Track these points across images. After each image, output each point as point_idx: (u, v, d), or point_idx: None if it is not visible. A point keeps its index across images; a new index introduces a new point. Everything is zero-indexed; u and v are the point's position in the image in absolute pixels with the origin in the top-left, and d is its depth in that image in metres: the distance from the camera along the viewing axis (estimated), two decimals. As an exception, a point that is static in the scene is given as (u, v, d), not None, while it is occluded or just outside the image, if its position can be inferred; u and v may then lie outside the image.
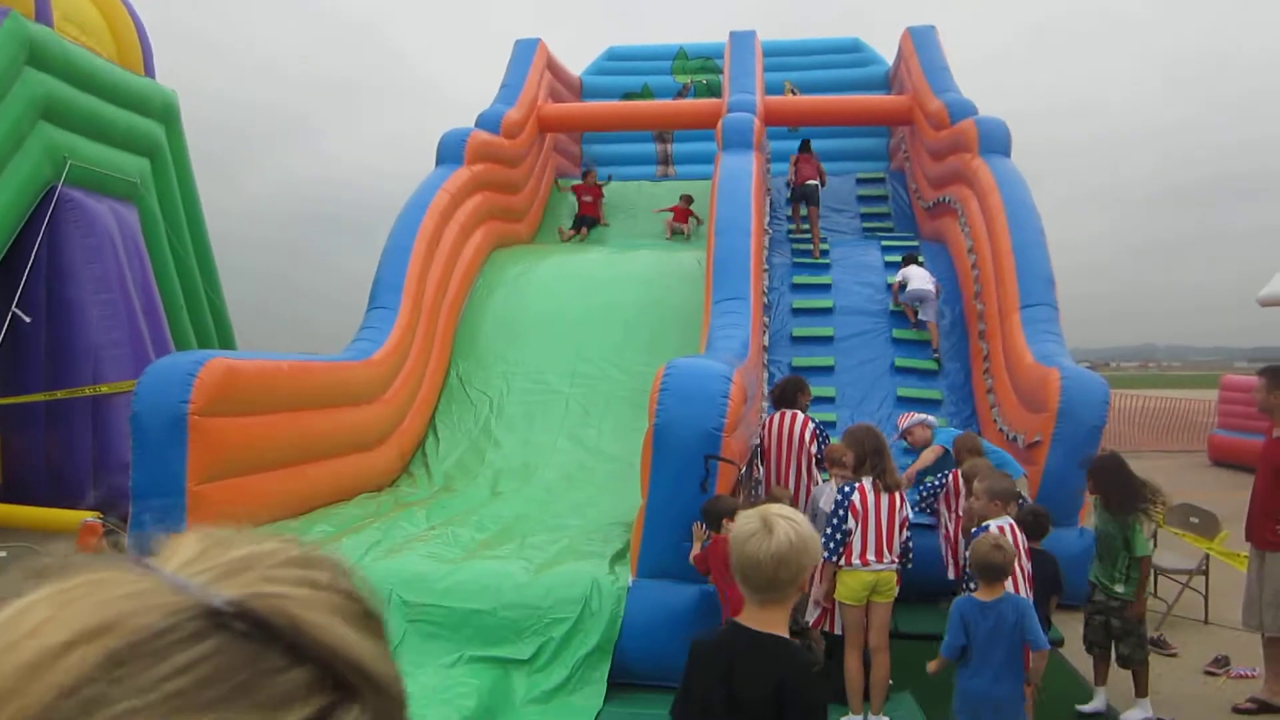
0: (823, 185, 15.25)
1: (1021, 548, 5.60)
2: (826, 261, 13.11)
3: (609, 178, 16.31)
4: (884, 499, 6.05)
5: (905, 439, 8.62)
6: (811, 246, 13.53)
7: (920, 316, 11.90)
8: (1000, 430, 9.53)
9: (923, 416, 8.74)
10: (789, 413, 8.04)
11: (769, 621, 2.64)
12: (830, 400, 10.88)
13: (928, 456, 8.17)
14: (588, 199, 15.39)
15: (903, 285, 11.96)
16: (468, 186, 12.76)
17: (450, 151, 12.93)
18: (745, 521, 2.68)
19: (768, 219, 13.71)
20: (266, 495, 7.70)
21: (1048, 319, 10.15)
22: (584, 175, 15.80)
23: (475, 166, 13.05)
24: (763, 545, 2.60)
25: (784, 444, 7.91)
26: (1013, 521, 5.75)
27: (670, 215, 15.60)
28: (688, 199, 15.66)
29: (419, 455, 10.47)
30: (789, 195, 15.26)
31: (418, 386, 10.67)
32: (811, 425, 7.91)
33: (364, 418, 9.36)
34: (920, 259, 12.52)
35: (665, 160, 18.45)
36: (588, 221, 15.24)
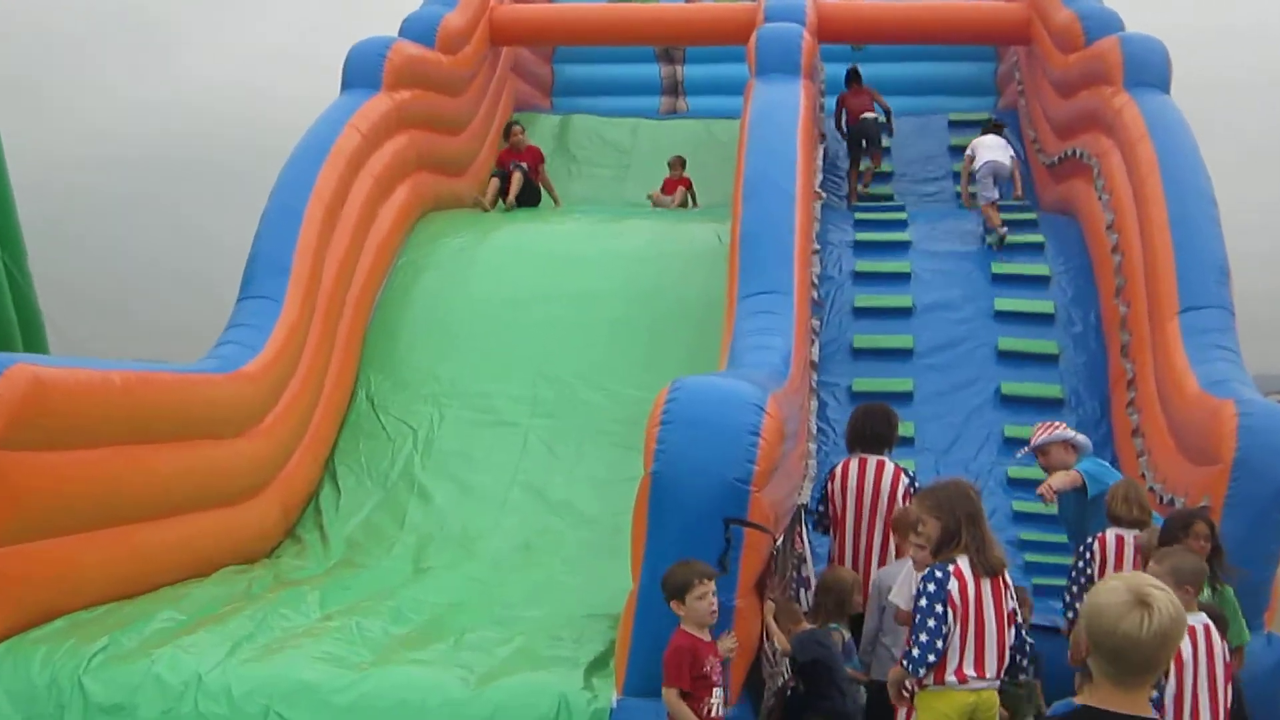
0: (889, 128, 15.32)
1: (1220, 659, 5.62)
2: (904, 238, 13.13)
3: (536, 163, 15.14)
4: (985, 586, 6.05)
5: (1039, 459, 8.63)
6: (879, 214, 13.59)
7: (980, 193, 12.85)
8: (1151, 488, 9.53)
9: (1068, 433, 8.63)
10: (873, 459, 8.01)
11: (1134, 703, 3.27)
12: (907, 443, 10.84)
13: (1060, 481, 8.15)
14: (519, 169, 14.55)
15: (972, 175, 12.57)
16: (387, 123, 12.76)
17: (362, 72, 12.96)
18: (1111, 594, 3.24)
19: (820, 177, 13.73)
20: (87, 567, 7.64)
21: (1220, 328, 10.16)
22: (508, 134, 15.28)
23: (399, 94, 13.06)
24: (1143, 623, 3.17)
25: (865, 505, 7.89)
26: (1208, 622, 5.76)
27: (655, 192, 15.62)
28: (679, 164, 15.64)
29: (310, 512, 10.43)
30: (845, 138, 15.37)
31: (309, 412, 10.65)
32: (906, 479, 7.90)
33: (231, 456, 9.32)
34: (1003, 127, 13.40)
35: (674, 89, 18.50)
36: (523, 197, 14.55)
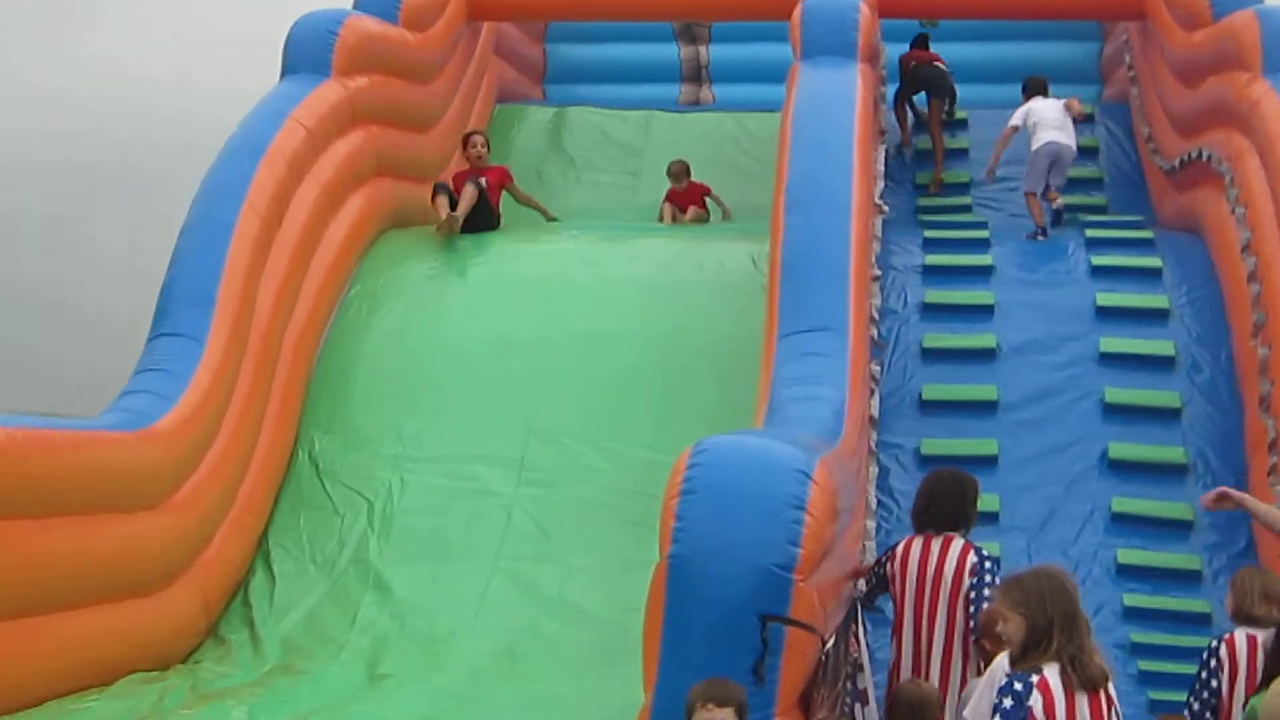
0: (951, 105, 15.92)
1: None
2: (986, 262, 13.15)
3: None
4: (1081, 704, 5.98)
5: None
6: (955, 232, 13.66)
7: (1028, 178, 13.72)
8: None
9: None
10: (938, 539, 7.98)
11: None
12: (989, 519, 10.78)
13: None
14: (475, 185, 13.88)
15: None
16: (338, 116, 12.83)
17: (307, 53, 13.04)
18: None
19: (882, 185, 13.74)
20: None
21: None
22: (465, 144, 14.61)
23: (353, 80, 13.15)
24: None
25: (925, 594, 7.90)
26: None
27: (666, 206, 15.56)
28: (682, 172, 15.50)
29: (237, 605, 10.41)
30: (899, 88, 15.78)
31: (237, 479, 10.64)
32: (975, 558, 7.89)
33: (139, 534, 9.29)
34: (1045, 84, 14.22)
35: (696, 75, 18.57)
36: (480, 222, 13.81)
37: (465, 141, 14.54)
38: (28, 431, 8.42)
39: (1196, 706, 7.60)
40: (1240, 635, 7.54)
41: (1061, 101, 14.18)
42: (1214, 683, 7.50)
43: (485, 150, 14.52)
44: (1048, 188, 13.92)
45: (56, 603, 8.51)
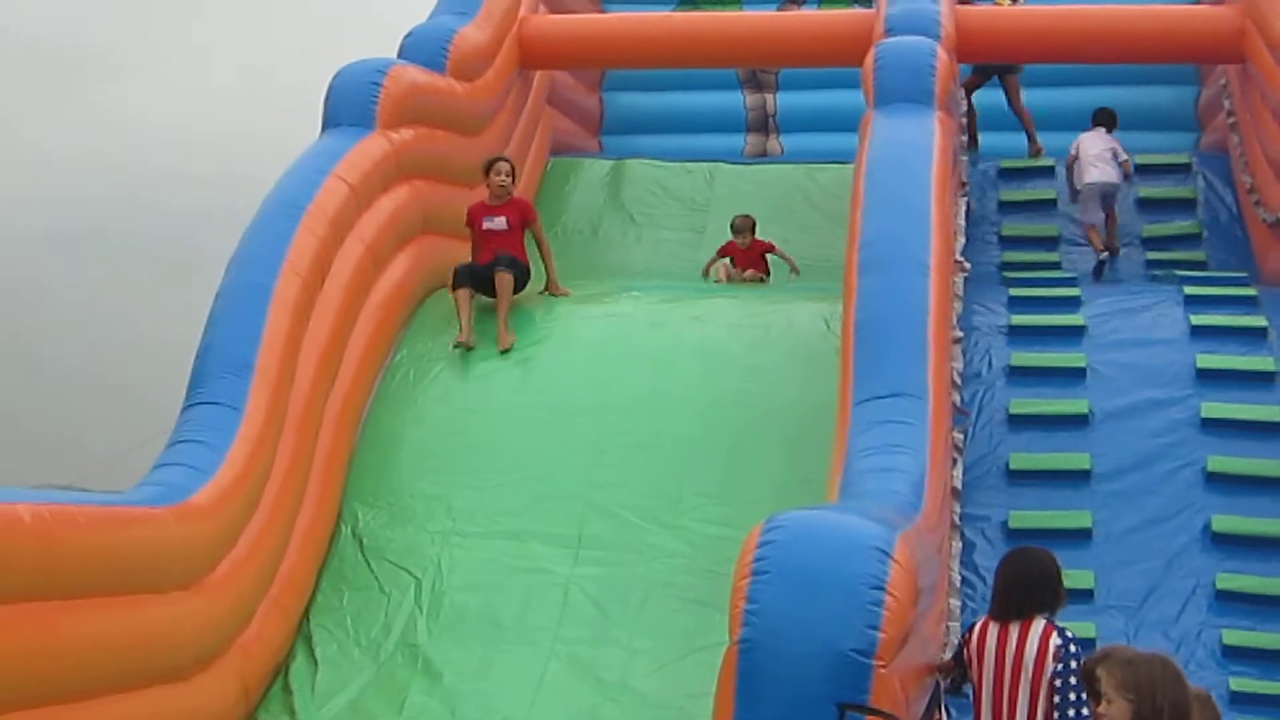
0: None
1: None
2: (1077, 321, 13.11)
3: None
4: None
5: None
6: (1043, 290, 13.66)
7: (1082, 217, 14.70)
8: None
9: None
10: (1018, 625, 7.94)
11: None
12: (1083, 597, 10.73)
13: None
14: (495, 226, 13.30)
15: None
16: (383, 172, 12.92)
17: (349, 105, 13.14)
18: None
19: (963, 241, 13.73)
20: (-21, 766, 7.64)
21: None
22: (488, 170, 13.55)
23: (398, 134, 13.25)
24: None
25: (1005, 678, 7.84)
26: None
27: (724, 264, 15.62)
28: (747, 228, 15.53)
29: (277, 691, 10.40)
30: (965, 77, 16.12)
31: (277, 557, 10.66)
32: (1059, 640, 7.83)
33: (174, 616, 9.29)
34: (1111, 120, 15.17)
35: (763, 125, 18.63)
36: (488, 275, 13.00)
37: (488, 168, 13.42)
38: (54, 508, 8.42)
39: None
40: None
41: (1109, 136, 15.25)
42: None
43: (511, 181, 13.46)
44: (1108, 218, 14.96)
45: (86, 689, 8.49)
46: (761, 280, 15.43)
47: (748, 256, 15.48)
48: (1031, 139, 17.02)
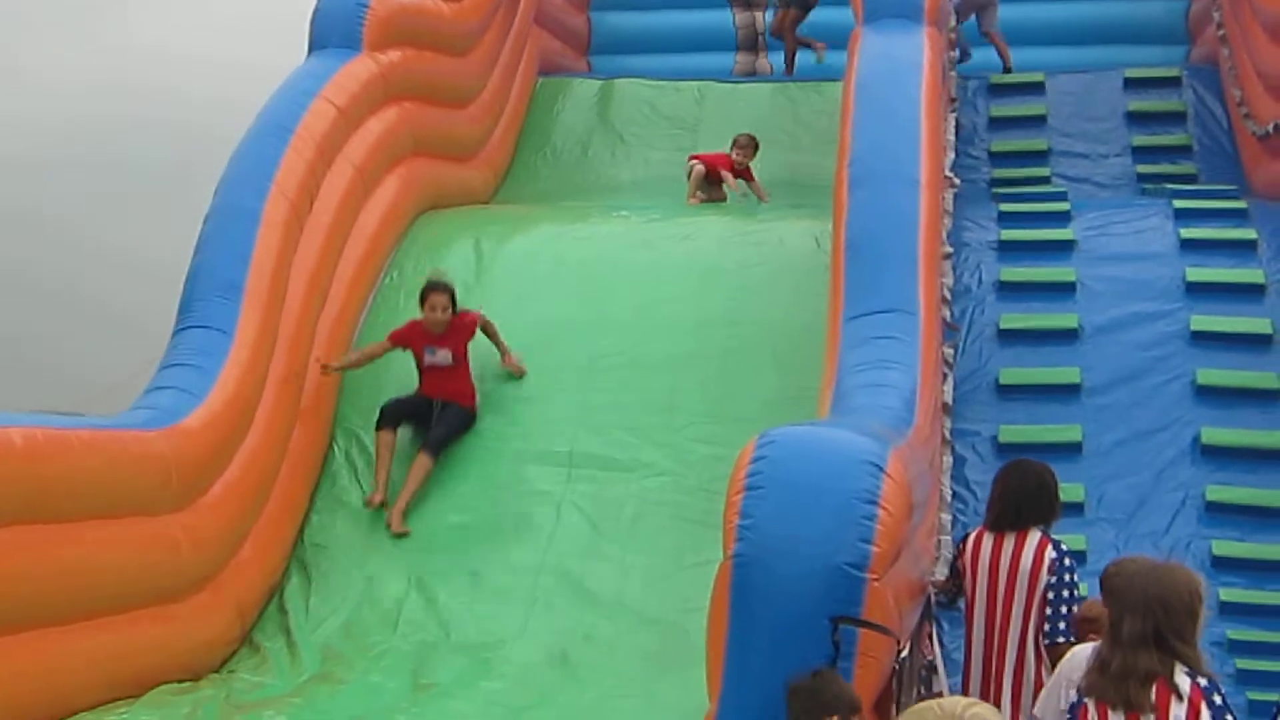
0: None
1: None
2: (1067, 236, 13.10)
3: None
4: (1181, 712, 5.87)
5: None
6: (1032, 205, 13.70)
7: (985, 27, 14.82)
8: None
9: None
10: (1013, 536, 7.96)
11: None
12: (1074, 510, 10.76)
13: None
14: (438, 361, 11.45)
15: None
16: (371, 94, 12.85)
17: (335, 27, 13.06)
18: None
19: (953, 156, 13.67)
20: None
21: None
22: (423, 300, 11.44)
23: (385, 55, 13.17)
24: None
25: (999, 592, 7.86)
26: None
27: (694, 171, 14.94)
28: (750, 146, 15.13)
29: (272, 611, 10.43)
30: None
31: (271, 479, 10.68)
32: (1054, 554, 7.84)
33: (168, 539, 9.33)
34: None
35: (753, 43, 18.52)
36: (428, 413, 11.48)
37: (423, 298, 11.36)
38: (48, 432, 8.45)
39: None
40: None
41: None
42: None
43: (447, 315, 11.36)
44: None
45: (81, 611, 8.55)
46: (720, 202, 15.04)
47: (722, 162, 15.08)
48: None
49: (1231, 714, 5.68)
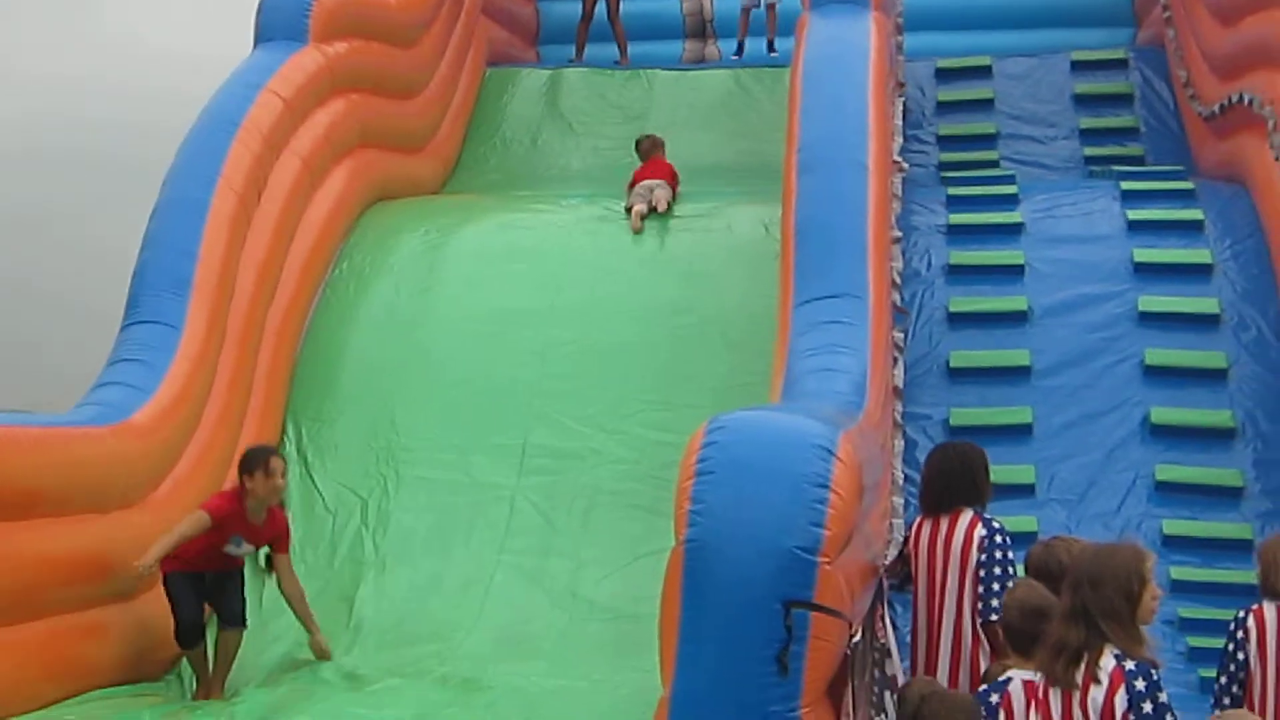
0: None
1: None
2: (1015, 219, 13.16)
3: None
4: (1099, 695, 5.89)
5: None
6: (980, 189, 13.71)
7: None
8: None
9: None
10: (947, 518, 8.02)
11: None
12: (1024, 491, 10.89)
13: None
14: (242, 552, 9.53)
15: None
16: (317, 86, 12.80)
17: (281, 19, 12.98)
18: None
19: (900, 141, 13.70)
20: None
21: None
22: (263, 465, 9.52)
23: (331, 46, 13.13)
24: None
25: (941, 573, 7.92)
26: None
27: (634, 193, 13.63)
28: (653, 146, 14.00)
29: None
30: None
31: (221, 475, 10.52)
32: (983, 531, 7.87)
33: (117, 535, 9.25)
34: None
35: (701, 30, 18.49)
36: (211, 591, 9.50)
37: (257, 463, 9.41)
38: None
39: (1224, 680, 7.68)
40: (1270, 608, 7.61)
41: None
42: (1240, 655, 7.62)
43: (273, 497, 9.57)
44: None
45: (30, 611, 8.50)
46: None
47: (654, 170, 13.84)
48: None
49: (1155, 699, 5.69)
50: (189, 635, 9.26)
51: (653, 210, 13.17)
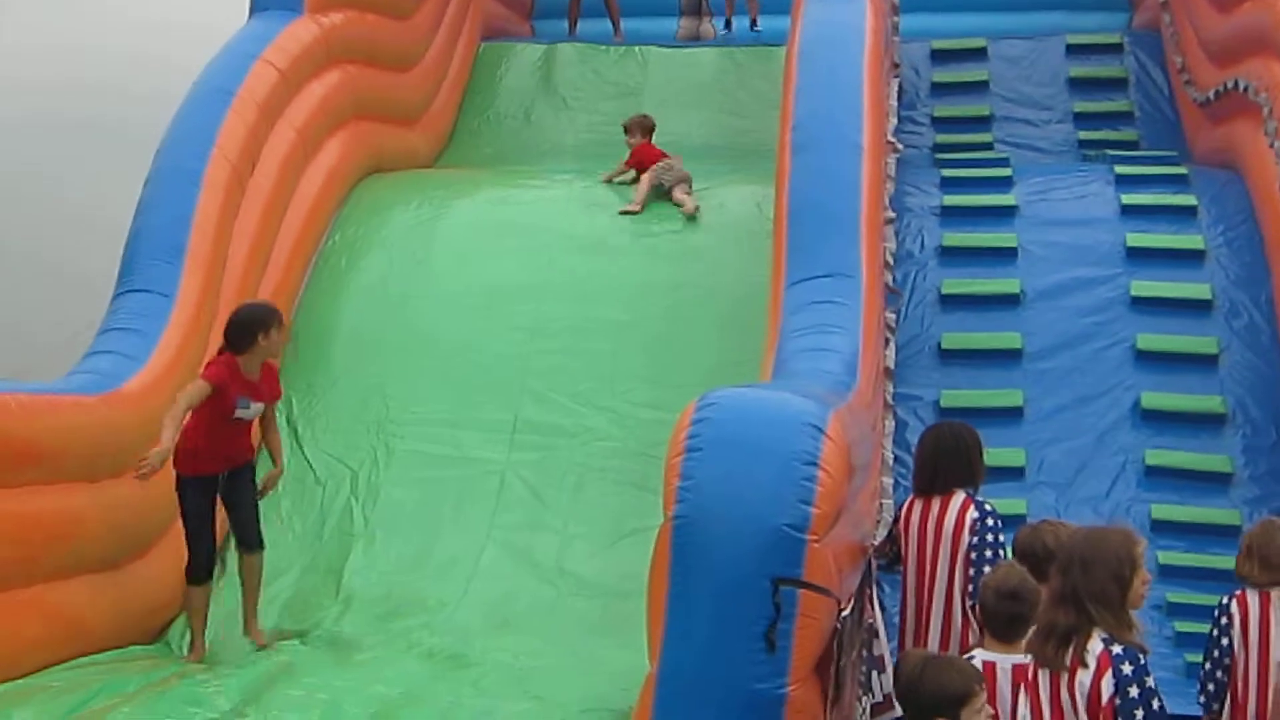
0: None
1: None
2: (1008, 201, 13.16)
3: None
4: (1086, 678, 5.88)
5: None
6: (974, 171, 13.67)
7: None
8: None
9: None
10: (939, 499, 8.04)
11: None
12: (1014, 474, 10.90)
13: None
14: (249, 414, 9.40)
15: None
16: (313, 56, 12.80)
17: (277, -12, 13.01)
18: None
19: (895, 122, 13.69)
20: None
21: None
22: (278, 326, 9.54)
23: (327, 17, 13.12)
24: None
25: (932, 555, 7.96)
26: None
27: (623, 172, 13.68)
28: (639, 129, 13.70)
29: (215, 577, 10.30)
30: None
31: (212, 443, 10.60)
32: (975, 514, 7.89)
33: (108, 504, 9.28)
34: None
35: (696, 8, 18.45)
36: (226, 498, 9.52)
37: (262, 325, 9.26)
38: (-11, 397, 8.42)
39: (1208, 665, 7.72)
40: (1252, 593, 7.65)
41: None
42: (1225, 640, 7.69)
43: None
44: None
45: (21, 578, 8.52)
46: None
47: (644, 155, 13.61)
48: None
49: (1142, 684, 5.70)
50: (201, 569, 9.27)
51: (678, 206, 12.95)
